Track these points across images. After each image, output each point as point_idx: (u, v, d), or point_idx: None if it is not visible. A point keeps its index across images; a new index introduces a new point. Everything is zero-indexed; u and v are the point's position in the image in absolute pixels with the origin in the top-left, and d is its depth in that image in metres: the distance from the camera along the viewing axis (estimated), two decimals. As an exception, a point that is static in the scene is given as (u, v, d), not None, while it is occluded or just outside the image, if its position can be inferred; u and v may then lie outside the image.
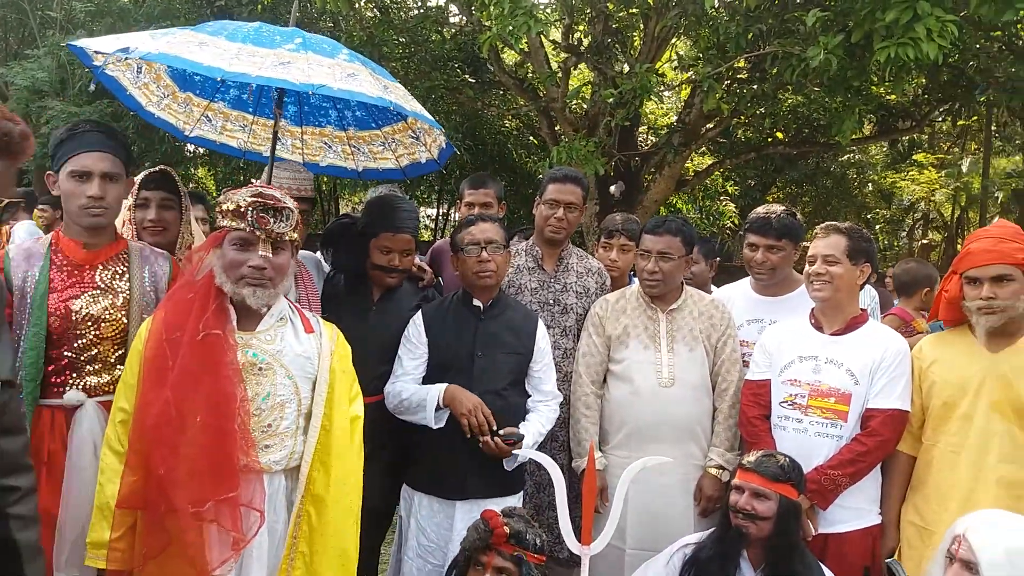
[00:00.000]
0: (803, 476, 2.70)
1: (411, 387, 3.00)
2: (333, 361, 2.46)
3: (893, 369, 2.83)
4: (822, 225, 2.98)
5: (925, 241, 18.13)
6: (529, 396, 3.11)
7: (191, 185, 12.72)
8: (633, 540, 3.12)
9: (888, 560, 2.37)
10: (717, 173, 14.18)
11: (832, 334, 2.95)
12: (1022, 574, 2.18)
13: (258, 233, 2.29)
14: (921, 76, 8.78)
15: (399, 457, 3.14)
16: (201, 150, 15.48)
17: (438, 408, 2.93)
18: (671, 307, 3.22)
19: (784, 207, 3.36)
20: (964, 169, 17.70)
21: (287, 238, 2.35)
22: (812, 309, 3.03)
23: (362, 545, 3.25)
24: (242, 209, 2.28)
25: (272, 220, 2.31)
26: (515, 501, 3.04)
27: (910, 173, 17.25)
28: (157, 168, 3.02)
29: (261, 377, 2.34)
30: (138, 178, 2.94)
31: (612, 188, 11.09)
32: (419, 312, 3.09)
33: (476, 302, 3.06)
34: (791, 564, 2.58)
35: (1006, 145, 19.01)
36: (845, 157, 16.16)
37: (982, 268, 2.68)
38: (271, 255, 2.31)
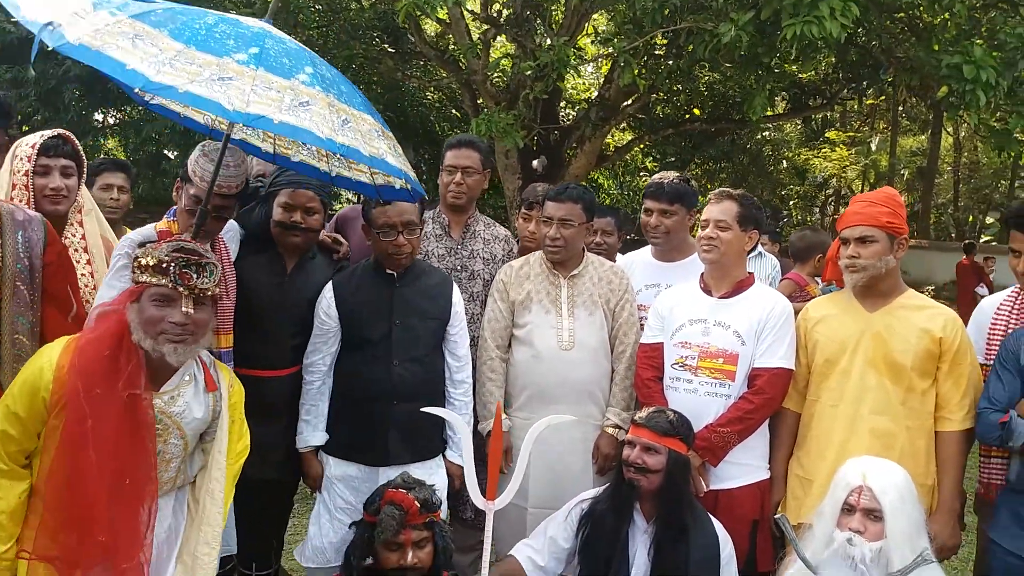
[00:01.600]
0: (692, 431, 2.82)
1: (304, 400, 3.05)
2: (229, 416, 2.41)
3: (777, 330, 2.96)
4: (715, 191, 3.09)
5: (837, 216, 18.80)
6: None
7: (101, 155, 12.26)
8: (535, 499, 3.20)
9: (776, 516, 2.48)
10: (637, 149, 14.42)
11: (720, 297, 3.06)
12: (911, 512, 2.35)
13: (180, 289, 2.21)
14: (830, 55, 9.08)
15: None
16: (111, 120, 14.96)
17: None
18: (572, 273, 3.29)
19: (679, 174, 3.45)
20: (873, 147, 18.43)
21: (209, 293, 2.27)
22: (702, 274, 3.14)
23: (273, 514, 3.28)
24: (164, 265, 2.19)
25: (195, 276, 2.22)
26: (436, 465, 3.08)
27: (823, 151, 17.87)
28: (56, 134, 2.90)
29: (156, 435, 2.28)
30: (35, 143, 2.84)
31: (535, 163, 11.17)
32: (328, 285, 3.06)
33: (389, 270, 3.06)
34: (680, 515, 2.70)
35: (912, 125, 19.85)
36: (761, 135, 16.62)
37: (850, 229, 2.84)
38: (193, 311, 2.22)
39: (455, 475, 2.98)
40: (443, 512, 2.82)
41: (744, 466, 2.98)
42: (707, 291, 3.10)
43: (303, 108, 2.16)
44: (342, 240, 3.37)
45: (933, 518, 2.77)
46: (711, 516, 2.81)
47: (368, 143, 2.36)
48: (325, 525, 3.04)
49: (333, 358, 3.06)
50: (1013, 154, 8.74)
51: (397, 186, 2.64)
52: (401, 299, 3.04)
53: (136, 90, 2.22)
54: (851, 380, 2.84)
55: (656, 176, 3.48)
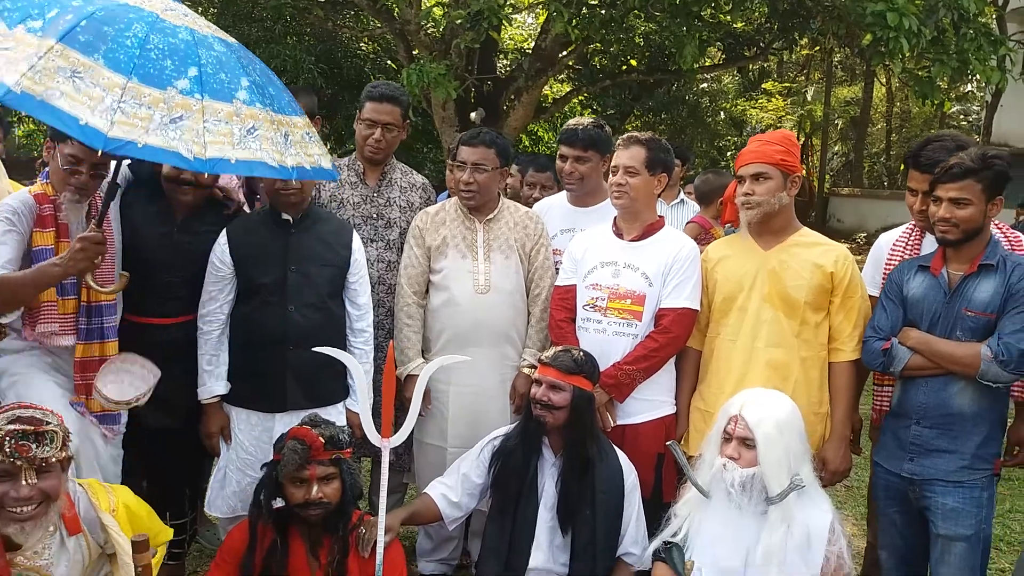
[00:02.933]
0: (597, 369, 2.92)
1: (204, 351, 3.02)
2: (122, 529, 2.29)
3: (683, 271, 3.05)
4: (623, 136, 3.14)
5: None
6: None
7: None
8: (454, 439, 3.28)
9: (668, 443, 2.59)
10: (576, 101, 14.38)
11: (630, 240, 3.13)
12: (788, 441, 2.48)
13: (19, 463, 2.10)
14: (763, 4, 9.14)
15: None
16: None
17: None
18: (488, 218, 3.33)
19: (593, 119, 3.50)
20: (809, 97, 18.70)
21: (54, 459, 2.15)
22: (615, 217, 3.21)
23: (182, 463, 3.26)
24: None
25: (34, 446, 2.11)
26: (336, 412, 3.10)
27: (760, 101, 18.07)
28: None
29: None
30: None
31: (472, 115, 11.08)
32: (224, 231, 3.04)
33: (285, 216, 3.05)
34: (585, 448, 2.80)
35: (846, 75, 20.17)
36: (699, 86, 16.71)
37: (745, 167, 2.94)
38: (37, 480, 2.11)
39: (353, 423, 2.99)
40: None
41: (649, 401, 3.09)
42: (619, 235, 3.18)
43: (252, 137, 2.23)
44: (232, 196, 3.32)
45: (825, 445, 2.92)
46: (616, 449, 2.92)
47: (306, 153, 2.46)
48: (228, 475, 3.07)
49: (230, 307, 3.05)
50: (937, 102, 8.95)
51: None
52: (297, 245, 3.04)
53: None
54: (748, 315, 2.95)
55: (571, 122, 3.52)
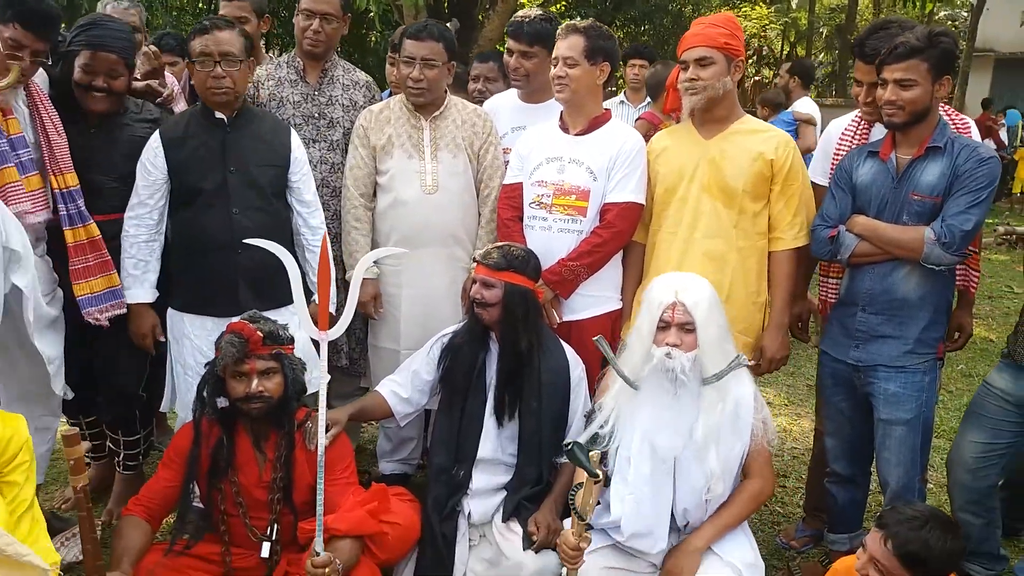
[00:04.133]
0: (531, 264, 2.89)
1: (130, 254, 2.98)
2: None
3: (627, 165, 3.01)
4: (562, 26, 3.06)
5: (757, 77, 18.83)
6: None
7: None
8: (407, 341, 3.29)
9: (595, 338, 2.60)
10: (554, 9, 14.02)
11: (576, 134, 3.08)
12: (718, 319, 2.52)
13: None
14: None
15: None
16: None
17: None
18: (434, 115, 3.26)
19: (542, 12, 3.40)
20: (793, 5, 18.29)
21: None
22: (560, 112, 3.15)
23: (124, 368, 3.21)
24: None
25: None
26: (291, 313, 3.06)
27: (743, 9, 17.67)
28: None
29: None
30: None
31: (447, 25, 10.82)
32: (156, 133, 2.96)
33: (219, 115, 2.97)
34: (519, 342, 2.81)
35: (833, -19, 19.71)
36: (683, -7, 16.29)
37: (688, 51, 2.88)
38: None
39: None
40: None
41: (595, 297, 3.10)
42: (564, 129, 3.12)
43: None
44: (164, 87, 3.23)
45: (764, 333, 2.96)
46: (563, 343, 2.94)
47: None
48: (187, 381, 3.06)
49: (161, 213, 2.99)
50: (928, 10, 8.76)
51: None
52: (234, 145, 2.97)
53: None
54: (687, 206, 2.94)
55: (518, 14, 3.42)
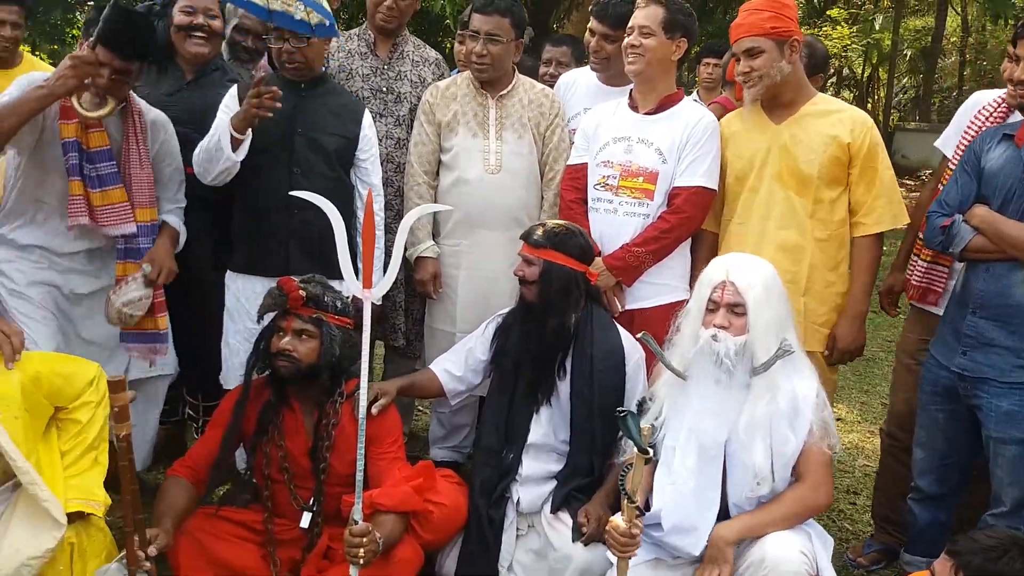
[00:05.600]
0: (575, 242, 2.75)
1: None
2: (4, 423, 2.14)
3: (700, 147, 2.88)
4: None
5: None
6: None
7: None
8: (462, 323, 3.22)
9: (639, 335, 2.46)
10: (630, 22, 13.95)
11: (646, 113, 2.97)
12: (776, 305, 2.35)
13: None
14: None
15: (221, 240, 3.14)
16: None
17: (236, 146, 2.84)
18: (501, 93, 3.20)
19: None
20: (876, 26, 17.78)
21: None
22: (630, 90, 3.05)
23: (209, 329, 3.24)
24: None
25: None
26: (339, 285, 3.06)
27: (824, 29, 17.24)
28: None
29: None
30: None
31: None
32: (233, 87, 2.98)
33: (295, 79, 2.98)
34: (548, 321, 2.70)
35: (920, 3, 19.11)
36: (762, 11, 16.02)
37: (736, 43, 2.75)
38: None
39: (356, 306, 2.85)
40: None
41: (660, 286, 2.97)
42: (634, 107, 3.02)
43: None
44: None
45: (839, 320, 2.78)
46: (621, 330, 2.82)
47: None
48: (235, 345, 3.05)
49: None
50: (1013, 22, 8.40)
51: (313, 22, 2.79)
52: (305, 108, 2.97)
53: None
54: (759, 196, 2.81)
55: None
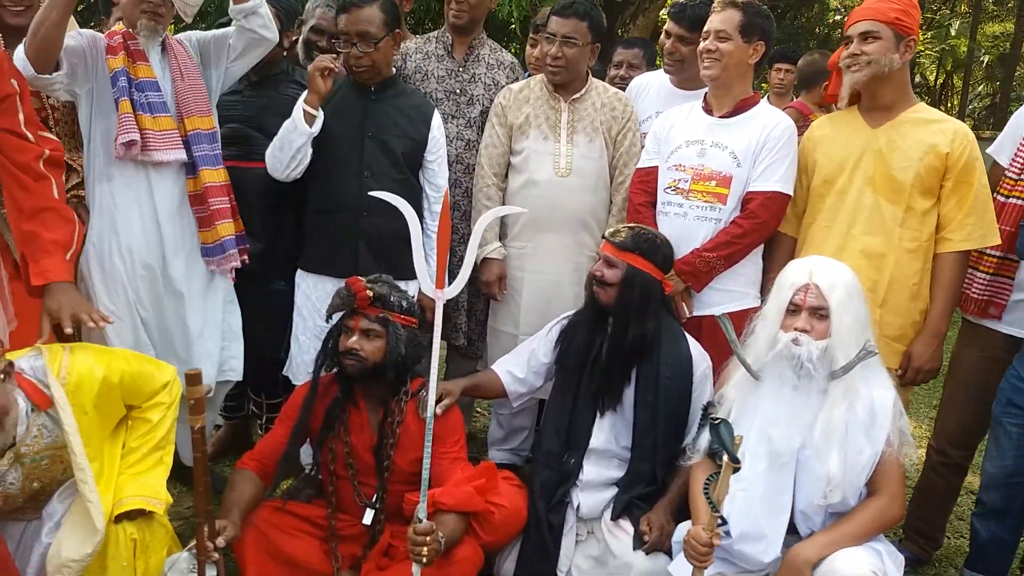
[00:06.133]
0: (660, 250, 2.74)
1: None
2: (74, 416, 2.16)
3: (776, 151, 2.82)
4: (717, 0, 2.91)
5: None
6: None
7: None
8: (525, 326, 3.21)
9: (718, 315, 2.43)
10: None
11: (720, 116, 2.92)
12: (857, 308, 2.30)
13: None
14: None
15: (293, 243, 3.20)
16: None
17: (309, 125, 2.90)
18: (574, 97, 3.18)
19: None
20: (952, 32, 17.26)
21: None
22: (705, 93, 3.00)
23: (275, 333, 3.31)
24: None
25: None
26: (409, 288, 3.04)
27: (897, 34, 16.84)
28: None
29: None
30: None
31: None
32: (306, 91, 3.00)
33: (364, 83, 3.01)
34: (628, 329, 2.67)
35: (999, 9, 18.48)
36: (833, 18, 15.69)
37: (854, 26, 2.67)
38: None
39: (426, 306, 2.90)
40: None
41: (730, 292, 2.92)
42: (708, 111, 2.97)
43: None
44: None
45: (916, 339, 2.70)
46: (688, 336, 2.78)
47: None
48: (305, 342, 3.09)
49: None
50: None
51: None
52: (375, 112, 3.01)
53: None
54: (847, 199, 2.73)
55: None
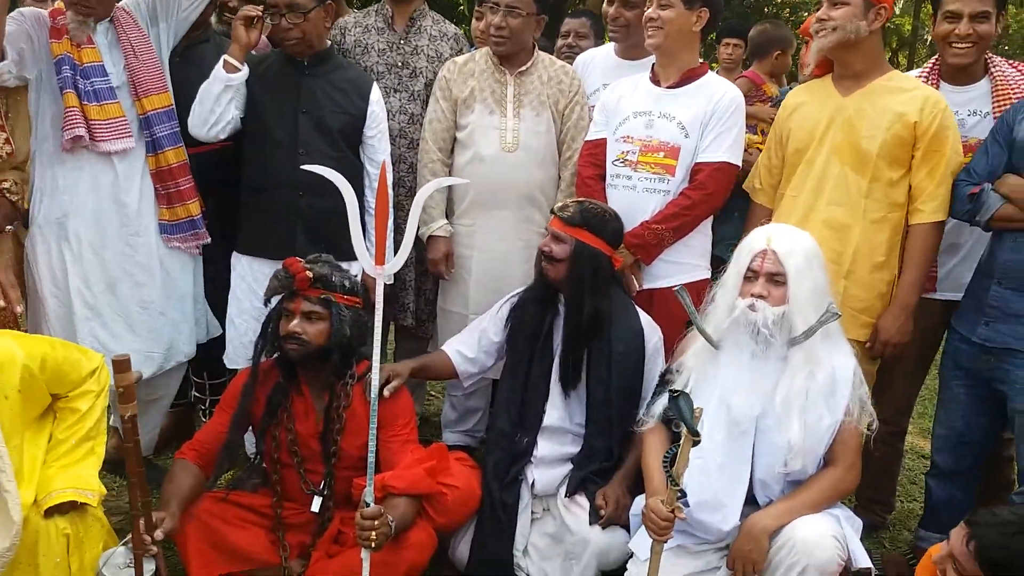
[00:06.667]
0: (609, 225, 2.69)
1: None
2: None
3: (724, 121, 2.79)
4: None
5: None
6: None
7: None
8: (475, 306, 3.14)
9: (675, 287, 2.39)
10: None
11: (668, 87, 2.87)
12: (816, 275, 2.28)
13: None
14: None
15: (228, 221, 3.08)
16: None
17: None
18: (520, 70, 3.11)
19: None
20: (897, 10, 17.51)
21: None
22: (652, 64, 2.95)
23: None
24: None
25: None
26: (352, 269, 2.94)
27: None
28: None
29: None
30: None
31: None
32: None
33: (298, 58, 2.91)
34: (583, 307, 2.62)
35: (940, -13, 18.75)
36: (780, -2, 15.80)
37: None
38: None
39: (370, 287, 2.75)
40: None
41: (680, 264, 2.88)
42: (656, 81, 2.92)
43: None
44: None
45: (885, 311, 2.67)
46: (640, 311, 2.74)
47: None
48: (241, 324, 3.01)
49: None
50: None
51: None
52: (309, 87, 2.92)
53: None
54: (814, 169, 2.70)
55: None
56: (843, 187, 2.65)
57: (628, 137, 2.89)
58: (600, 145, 2.97)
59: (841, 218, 2.65)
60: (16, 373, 2.07)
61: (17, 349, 2.09)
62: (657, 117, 2.86)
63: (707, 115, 2.80)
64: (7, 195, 2.66)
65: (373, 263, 2.24)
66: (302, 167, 2.45)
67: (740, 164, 2.83)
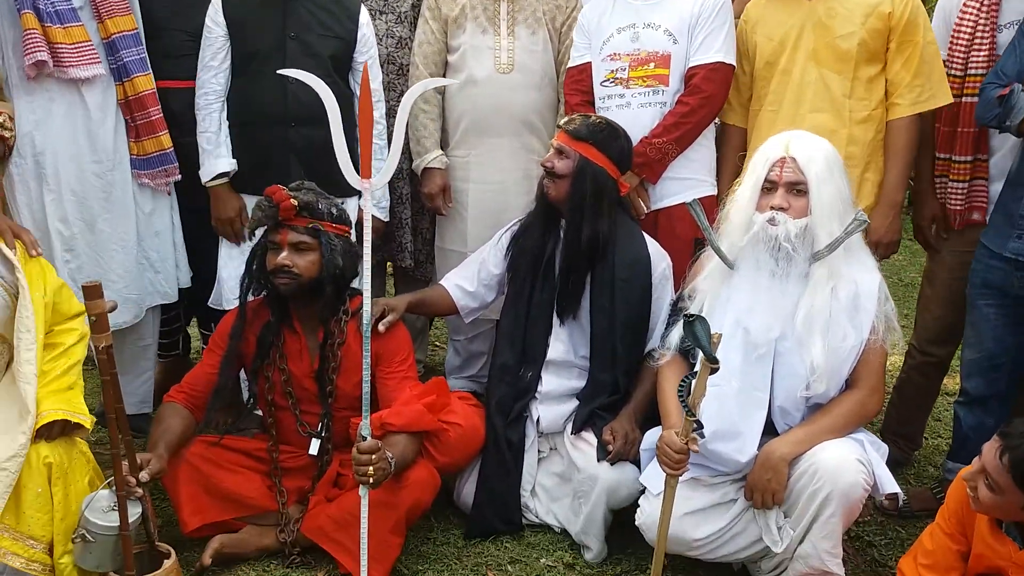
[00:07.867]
0: (617, 141, 2.54)
1: (203, 128, 2.80)
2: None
3: (712, 20, 2.65)
4: None
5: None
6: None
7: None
8: (474, 242, 2.99)
9: (688, 201, 2.25)
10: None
11: None
12: (839, 182, 2.13)
13: None
14: None
15: None
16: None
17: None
18: None
19: None
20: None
21: None
22: None
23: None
24: None
25: None
26: (354, 204, 2.85)
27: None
28: None
29: None
30: None
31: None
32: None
33: None
34: (583, 229, 2.48)
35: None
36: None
37: None
38: None
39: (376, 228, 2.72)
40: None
41: (685, 181, 2.73)
42: None
43: None
44: None
45: (873, 212, 2.55)
46: (646, 236, 2.61)
47: None
48: (232, 267, 2.88)
49: (227, 76, 2.80)
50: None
51: None
52: (295, 10, 2.76)
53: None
54: (792, 78, 2.59)
55: None
56: (824, 92, 2.55)
57: (615, 55, 2.74)
58: (584, 70, 2.82)
59: (827, 124, 2.54)
60: (54, 280, 2.13)
61: (44, 266, 2.16)
62: (642, 28, 2.71)
63: (694, 16, 2.66)
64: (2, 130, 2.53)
65: (358, 176, 2.07)
66: (278, 71, 2.32)
67: (735, 63, 2.70)
